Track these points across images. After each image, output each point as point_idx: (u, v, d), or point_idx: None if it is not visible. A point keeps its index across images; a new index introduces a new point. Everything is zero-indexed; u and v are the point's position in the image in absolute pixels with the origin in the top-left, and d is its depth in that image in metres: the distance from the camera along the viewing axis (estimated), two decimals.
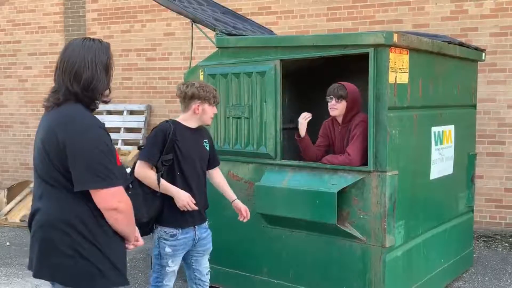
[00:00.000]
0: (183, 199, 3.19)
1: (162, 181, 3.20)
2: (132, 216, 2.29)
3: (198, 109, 3.29)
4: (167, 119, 3.41)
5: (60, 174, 2.15)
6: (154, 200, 3.23)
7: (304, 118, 4.10)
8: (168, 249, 3.25)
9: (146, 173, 3.21)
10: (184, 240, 3.28)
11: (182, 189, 3.25)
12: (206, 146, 3.45)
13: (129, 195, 2.29)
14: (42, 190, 2.23)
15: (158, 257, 3.29)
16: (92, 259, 2.19)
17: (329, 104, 4.08)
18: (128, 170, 3.42)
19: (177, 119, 3.36)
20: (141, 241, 2.44)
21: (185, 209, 3.20)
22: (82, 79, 2.17)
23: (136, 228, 2.40)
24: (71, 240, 2.16)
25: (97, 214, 2.18)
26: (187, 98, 3.29)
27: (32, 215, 2.29)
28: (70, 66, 2.19)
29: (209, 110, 3.34)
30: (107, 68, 2.27)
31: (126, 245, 2.36)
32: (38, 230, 2.23)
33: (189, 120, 3.34)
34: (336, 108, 4.03)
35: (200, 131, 3.43)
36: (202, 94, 3.27)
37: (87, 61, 2.19)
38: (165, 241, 3.25)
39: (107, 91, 2.29)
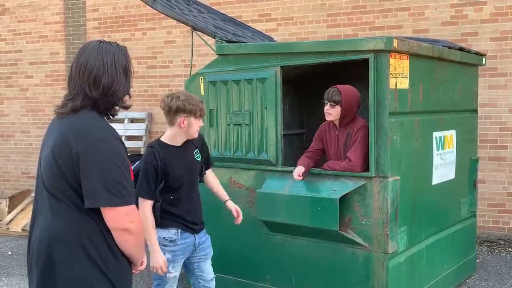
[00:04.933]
0: (157, 265, 3.15)
1: (153, 231, 3.14)
2: (143, 238, 2.12)
3: (183, 123, 3.16)
4: (151, 144, 3.26)
5: (69, 188, 1.97)
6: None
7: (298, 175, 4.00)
8: (167, 255, 3.23)
9: (146, 214, 3.12)
10: (183, 245, 3.28)
11: (177, 207, 3.24)
12: (198, 157, 3.37)
13: None
14: (46, 204, 2.03)
15: None
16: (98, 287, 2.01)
17: (324, 108, 4.06)
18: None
19: (162, 139, 3.26)
20: (144, 265, 2.25)
21: (153, 271, 3.18)
22: (101, 84, 2.02)
23: (144, 252, 2.22)
24: (78, 264, 1.98)
25: (107, 234, 2.01)
26: (172, 111, 3.14)
27: (32, 233, 2.09)
28: (88, 70, 2.02)
29: (195, 124, 3.19)
30: (127, 72, 2.11)
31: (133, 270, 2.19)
32: (40, 249, 2.03)
33: (175, 137, 3.23)
34: (330, 113, 3.99)
35: (188, 145, 3.32)
36: (188, 107, 3.12)
37: (106, 64, 2.03)
38: (164, 247, 3.24)
39: (127, 97, 2.13)
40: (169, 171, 3.18)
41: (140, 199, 3.14)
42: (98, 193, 1.92)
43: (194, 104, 3.15)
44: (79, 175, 1.94)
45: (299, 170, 3.97)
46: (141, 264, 2.21)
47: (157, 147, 3.20)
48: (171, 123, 3.20)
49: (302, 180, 3.97)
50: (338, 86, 4.01)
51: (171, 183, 3.21)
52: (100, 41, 2.10)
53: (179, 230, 3.26)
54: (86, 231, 1.99)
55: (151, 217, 3.14)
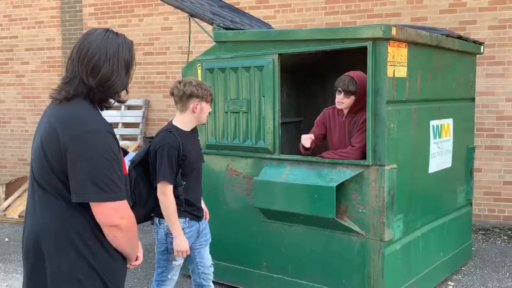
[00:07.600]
0: (183, 248, 3.20)
1: (176, 215, 3.19)
2: (135, 234, 2.04)
3: (196, 107, 3.26)
4: (169, 128, 3.27)
5: (57, 180, 1.91)
6: (144, 191, 3.29)
7: (307, 138, 4.08)
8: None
9: (170, 198, 3.16)
10: (190, 233, 3.32)
11: (188, 193, 3.26)
12: (199, 144, 3.49)
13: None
14: (35, 196, 1.98)
15: (165, 252, 3.32)
16: (88, 284, 1.95)
17: (336, 97, 4.02)
18: (132, 155, 3.41)
19: (176, 124, 3.30)
20: (140, 260, 2.19)
21: (177, 255, 3.24)
22: (100, 73, 1.94)
23: (140, 245, 2.17)
24: (66, 258, 1.93)
25: (98, 229, 1.94)
26: (185, 96, 3.24)
27: (25, 225, 2.06)
28: (88, 57, 1.94)
29: (206, 109, 3.32)
30: (128, 67, 2.04)
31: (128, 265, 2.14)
32: (29, 243, 2.00)
33: (187, 122, 3.30)
34: (343, 102, 3.98)
35: (195, 132, 3.42)
36: (200, 92, 3.24)
37: (109, 54, 1.95)
38: (172, 236, 3.27)
39: (124, 92, 2.06)
40: (186, 154, 3.23)
41: (164, 183, 3.15)
42: (85, 187, 1.85)
43: (205, 89, 3.27)
44: (67, 167, 1.87)
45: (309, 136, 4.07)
46: (137, 259, 2.16)
47: (175, 131, 3.25)
48: (184, 108, 3.28)
49: (309, 148, 4.08)
50: (351, 74, 3.97)
51: (186, 167, 3.24)
52: (107, 30, 2.03)
53: (187, 219, 3.30)
54: (75, 225, 1.93)
55: (173, 201, 3.18)
